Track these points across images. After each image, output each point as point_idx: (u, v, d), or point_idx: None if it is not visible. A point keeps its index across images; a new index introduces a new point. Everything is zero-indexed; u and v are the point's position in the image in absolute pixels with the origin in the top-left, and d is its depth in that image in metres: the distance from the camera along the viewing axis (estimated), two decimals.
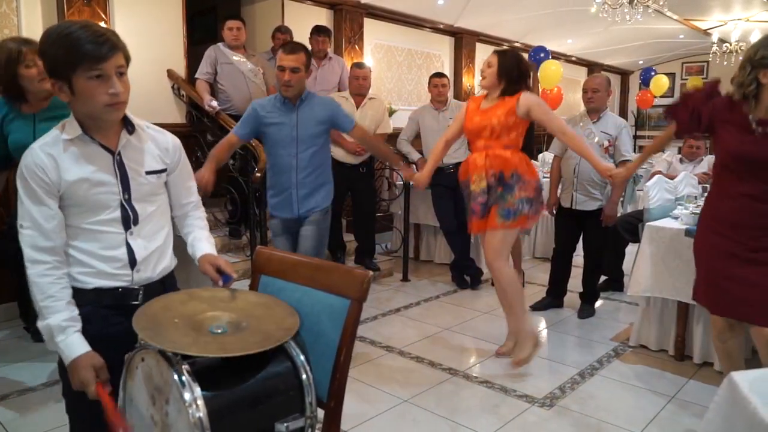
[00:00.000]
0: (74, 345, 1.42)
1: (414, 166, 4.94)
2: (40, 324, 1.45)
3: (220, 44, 4.67)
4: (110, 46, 1.39)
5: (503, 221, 3.02)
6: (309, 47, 5.09)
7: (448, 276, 5.03)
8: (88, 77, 1.39)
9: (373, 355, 3.41)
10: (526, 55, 8.22)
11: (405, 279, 5.04)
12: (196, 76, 4.62)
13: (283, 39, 5.15)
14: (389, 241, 5.81)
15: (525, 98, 3.01)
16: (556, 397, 2.89)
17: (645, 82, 9.83)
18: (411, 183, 5.12)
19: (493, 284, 4.83)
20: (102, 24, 4.29)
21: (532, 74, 4.14)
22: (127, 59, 1.46)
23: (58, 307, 1.44)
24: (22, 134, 2.58)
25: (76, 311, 1.47)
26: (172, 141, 1.67)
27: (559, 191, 4.14)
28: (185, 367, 1.22)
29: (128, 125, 1.55)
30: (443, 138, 3.35)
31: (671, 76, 11.25)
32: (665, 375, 3.15)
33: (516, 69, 3.05)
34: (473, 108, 3.16)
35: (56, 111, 2.57)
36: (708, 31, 9.09)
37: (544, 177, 5.98)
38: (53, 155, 1.46)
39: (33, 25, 4.12)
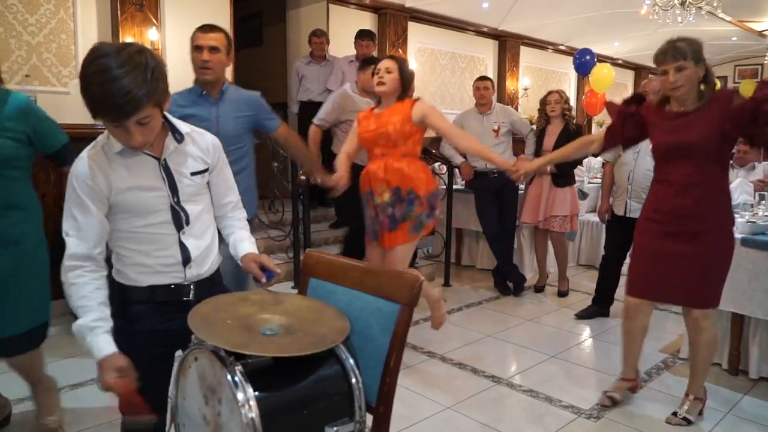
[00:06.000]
0: (101, 345, 1.42)
1: (456, 169, 4.92)
2: (74, 324, 1.46)
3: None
4: (133, 106, 1.34)
5: (414, 234, 3.06)
6: (355, 51, 5.18)
7: (490, 282, 4.96)
8: (108, 123, 1.40)
9: (414, 360, 3.39)
10: (571, 59, 8.10)
11: (447, 284, 5.00)
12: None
13: (318, 43, 5.30)
14: (430, 246, 5.78)
15: (419, 105, 3.02)
16: (604, 409, 2.82)
17: None
18: (451, 182, 5.09)
19: (536, 291, 4.82)
20: (153, 30, 4.42)
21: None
22: (159, 103, 1.41)
23: (90, 308, 1.45)
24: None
25: (107, 312, 1.48)
26: (212, 141, 1.70)
27: (611, 198, 4.04)
28: (238, 367, 1.22)
29: (176, 133, 1.58)
30: (344, 150, 3.25)
31: (723, 79, 10.90)
32: (719, 390, 3.02)
33: (409, 76, 3.12)
34: (365, 115, 3.16)
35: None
36: (763, 32, 8.77)
37: (589, 183, 5.88)
38: (102, 164, 1.49)
39: (89, 32, 4.26)
